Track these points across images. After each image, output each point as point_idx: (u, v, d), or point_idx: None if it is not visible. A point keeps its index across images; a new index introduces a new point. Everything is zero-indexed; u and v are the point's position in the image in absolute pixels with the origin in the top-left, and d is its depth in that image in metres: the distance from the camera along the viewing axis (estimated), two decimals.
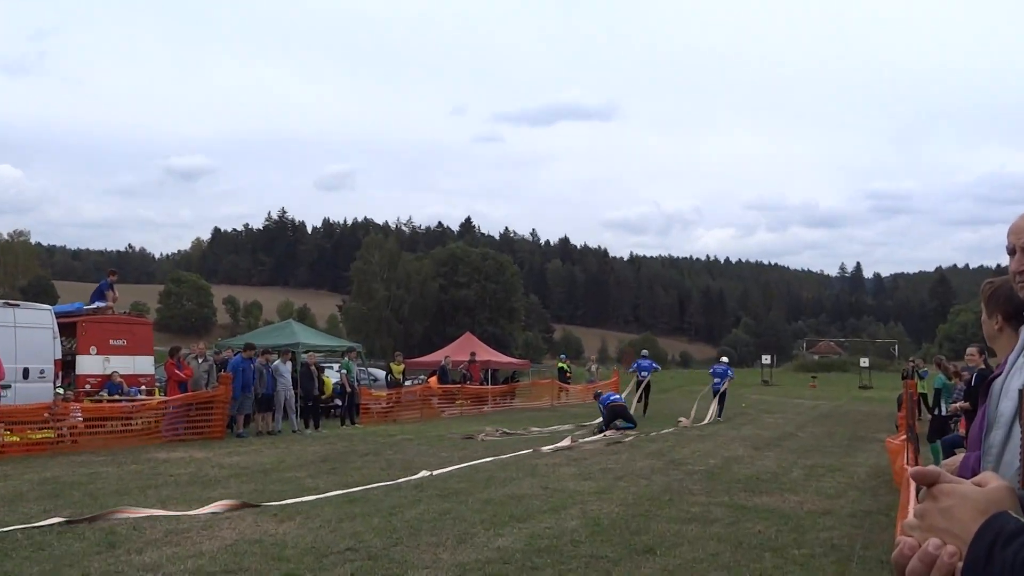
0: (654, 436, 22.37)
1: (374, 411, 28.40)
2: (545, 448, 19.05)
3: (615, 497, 12.30)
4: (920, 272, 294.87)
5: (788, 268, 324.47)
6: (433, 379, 33.69)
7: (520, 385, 40.82)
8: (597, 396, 26.50)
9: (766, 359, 67.64)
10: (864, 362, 64.65)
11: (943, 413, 16.11)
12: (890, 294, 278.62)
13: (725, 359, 32.70)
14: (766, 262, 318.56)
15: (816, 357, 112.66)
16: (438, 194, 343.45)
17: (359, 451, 18.33)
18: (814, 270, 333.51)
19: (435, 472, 14.64)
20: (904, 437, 12.49)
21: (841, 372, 79.23)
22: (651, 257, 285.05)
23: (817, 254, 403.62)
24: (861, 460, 17.63)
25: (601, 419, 24.48)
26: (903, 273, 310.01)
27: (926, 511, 1.39)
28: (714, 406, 29.07)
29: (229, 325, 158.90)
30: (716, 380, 30.14)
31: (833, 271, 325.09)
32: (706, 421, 27.17)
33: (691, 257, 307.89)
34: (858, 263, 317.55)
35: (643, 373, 31.20)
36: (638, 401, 30.20)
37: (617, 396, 26.52)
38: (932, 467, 1.44)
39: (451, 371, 34.27)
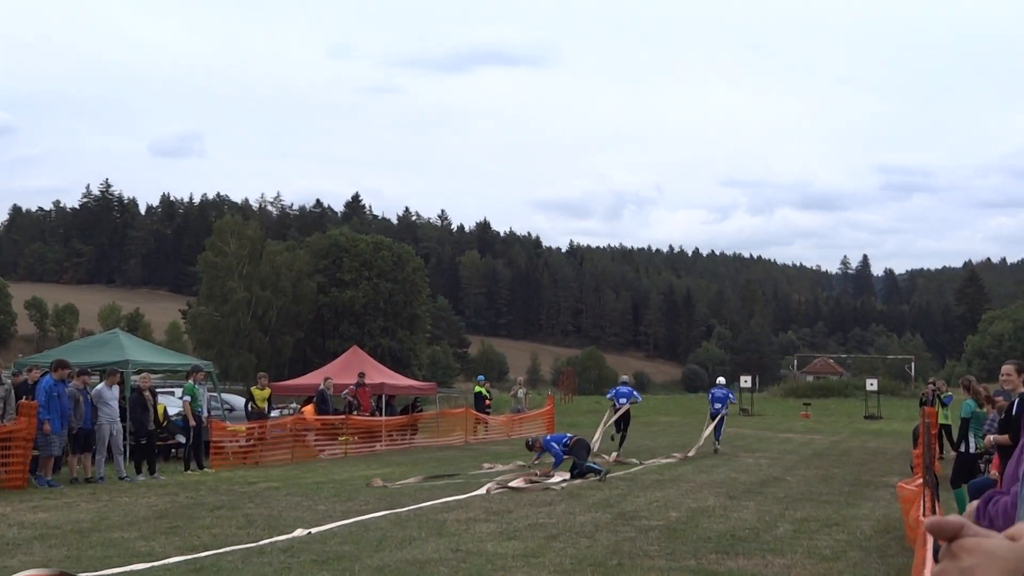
0: (598, 483, 22.50)
1: (229, 451, 28.15)
2: (510, 480, 19.55)
3: (547, 562, 12.37)
4: (944, 268, 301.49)
5: (775, 263, 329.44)
6: (309, 408, 33.50)
7: (424, 416, 40.73)
8: (533, 446, 25.62)
9: (746, 381, 68.29)
10: (871, 385, 65.56)
11: (971, 450, 16.44)
12: (905, 297, 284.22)
13: (722, 380, 37.13)
14: (746, 255, 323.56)
15: (810, 378, 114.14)
16: (315, 163, 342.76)
17: (208, 504, 18.18)
18: (808, 265, 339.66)
19: (311, 531, 14.59)
20: (920, 481, 12.74)
21: (842, 398, 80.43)
22: (597, 248, 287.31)
23: (812, 245, 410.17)
24: (866, 511, 17.93)
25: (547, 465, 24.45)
26: (922, 270, 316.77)
27: (945, 572, 1.38)
28: (709, 431, 33.37)
29: (34, 336, 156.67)
30: (716, 405, 33.94)
31: (833, 267, 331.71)
32: (692, 453, 31.03)
33: (649, 248, 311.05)
34: (864, 257, 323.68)
35: (621, 400, 33.15)
36: (617, 431, 32.35)
37: (569, 435, 26.03)
38: (953, 517, 1.44)
39: (333, 397, 34.13)
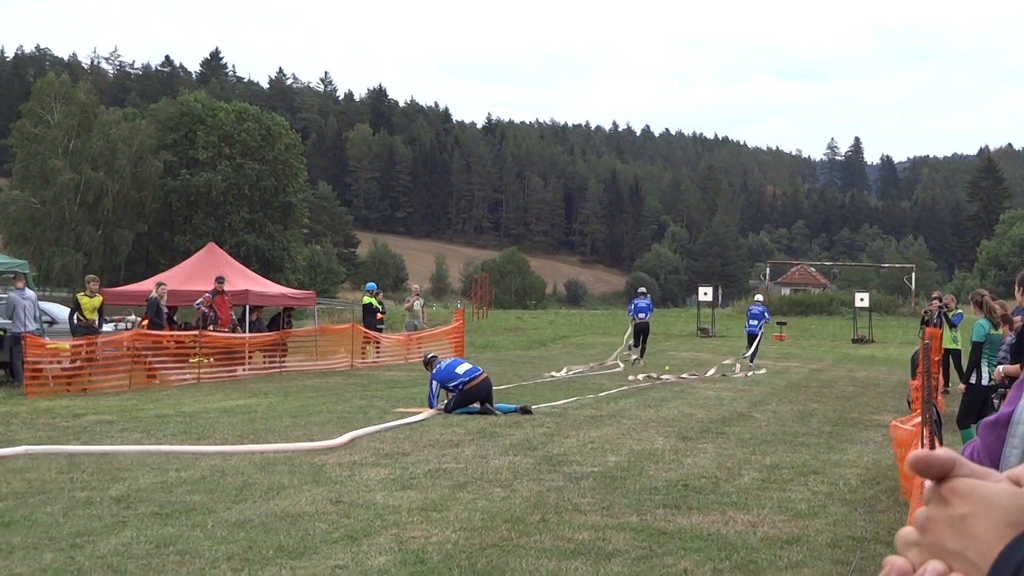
0: (518, 418, 22.51)
1: (48, 375, 27.97)
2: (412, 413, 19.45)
3: (452, 516, 12.42)
4: (954, 155, 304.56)
5: (745, 146, 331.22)
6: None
7: (298, 332, 40.71)
8: (430, 363, 24.58)
9: (705, 294, 68.37)
10: (862, 300, 66.16)
11: (984, 381, 16.61)
12: (906, 191, 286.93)
13: (760, 297, 45.43)
14: (710, 135, 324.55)
15: (786, 291, 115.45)
16: (165, 11, 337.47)
17: (21, 441, 18.06)
18: (787, 150, 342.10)
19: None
20: (919, 419, 12.88)
21: (825, 316, 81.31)
22: (522, 124, 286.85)
23: (793, 124, 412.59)
24: (852, 457, 18.16)
25: (443, 401, 23.92)
26: (927, 157, 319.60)
27: (931, 520, 1.32)
28: (752, 351, 40.99)
29: None
30: (752, 323, 42.34)
31: (817, 152, 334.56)
32: (739, 371, 37.46)
33: (587, 125, 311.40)
34: (856, 140, 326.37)
35: (640, 315, 41.91)
36: (635, 346, 41.78)
37: (474, 368, 24.81)
38: (943, 451, 1.36)
39: (168, 308, 33.83)
